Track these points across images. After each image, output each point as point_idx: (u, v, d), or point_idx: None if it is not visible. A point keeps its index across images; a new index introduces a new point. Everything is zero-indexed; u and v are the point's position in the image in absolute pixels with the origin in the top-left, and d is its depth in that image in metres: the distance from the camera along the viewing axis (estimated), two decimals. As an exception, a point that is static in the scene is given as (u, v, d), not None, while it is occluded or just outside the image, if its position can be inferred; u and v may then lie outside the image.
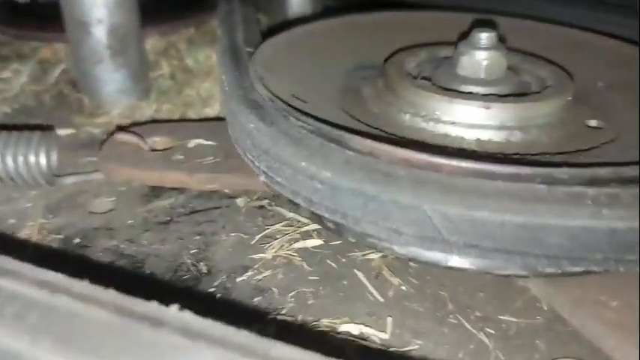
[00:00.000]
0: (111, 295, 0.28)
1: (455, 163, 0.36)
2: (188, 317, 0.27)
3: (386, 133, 0.46)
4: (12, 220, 0.53)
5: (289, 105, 0.42)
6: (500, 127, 0.46)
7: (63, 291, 0.27)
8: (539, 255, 0.35)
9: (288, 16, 0.89)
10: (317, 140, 0.40)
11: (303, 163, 0.39)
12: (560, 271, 0.38)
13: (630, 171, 0.37)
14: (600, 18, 0.73)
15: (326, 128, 0.40)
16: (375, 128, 0.47)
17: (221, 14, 0.67)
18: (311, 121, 0.40)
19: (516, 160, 0.38)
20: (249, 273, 0.47)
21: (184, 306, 0.27)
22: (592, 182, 0.36)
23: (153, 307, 0.27)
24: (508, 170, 0.35)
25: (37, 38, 0.86)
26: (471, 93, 0.48)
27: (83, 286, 0.28)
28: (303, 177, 0.39)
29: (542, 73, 0.53)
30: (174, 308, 0.27)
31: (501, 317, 0.42)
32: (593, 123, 0.50)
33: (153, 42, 0.83)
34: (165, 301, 0.27)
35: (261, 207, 0.55)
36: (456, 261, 0.39)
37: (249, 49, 0.56)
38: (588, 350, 0.38)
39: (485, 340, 0.40)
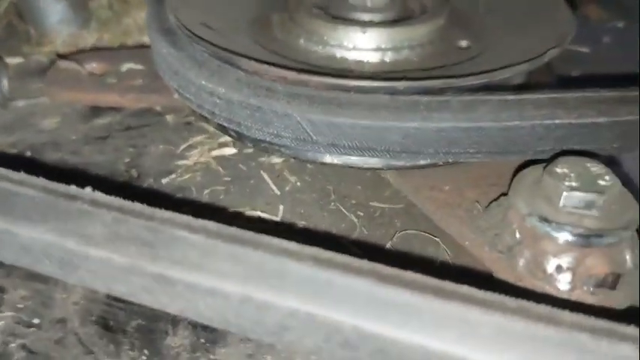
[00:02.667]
0: (40, 180, 0.37)
1: (317, 79, 0.45)
2: (98, 195, 0.36)
3: (283, 56, 0.55)
4: (-31, 138, 0.62)
5: (193, 33, 0.51)
6: (376, 49, 0.55)
7: (4, 178, 0.37)
8: (384, 150, 0.45)
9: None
10: (215, 62, 0.49)
11: (204, 82, 0.48)
12: (407, 165, 0.49)
13: (460, 82, 0.47)
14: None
15: (222, 52, 0.49)
16: (275, 52, 0.55)
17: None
18: (209, 46, 0.49)
19: (367, 77, 0.47)
20: (173, 176, 0.56)
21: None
22: (426, 92, 0.45)
23: (72, 188, 0.37)
24: (358, 84, 0.45)
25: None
26: (353, 19, 0.56)
27: (20, 175, 0.38)
28: (205, 93, 0.48)
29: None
30: (88, 189, 0.37)
31: (371, 203, 0.53)
32: (463, 44, 0.59)
33: (93, -27, 0.88)
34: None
35: (188, 123, 0.64)
36: (327, 158, 0.49)
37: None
38: (432, 226, 0.49)
39: (355, 220, 0.51)
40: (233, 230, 0.34)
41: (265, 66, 0.47)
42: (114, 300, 0.44)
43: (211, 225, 0.34)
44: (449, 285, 0.31)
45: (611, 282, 0.38)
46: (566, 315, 0.29)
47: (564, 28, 0.54)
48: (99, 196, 0.36)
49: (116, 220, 0.34)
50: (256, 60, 0.47)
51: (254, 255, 0.32)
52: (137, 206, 0.35)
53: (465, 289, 0.31)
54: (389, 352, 0.29)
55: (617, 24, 0.86)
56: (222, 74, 0.48)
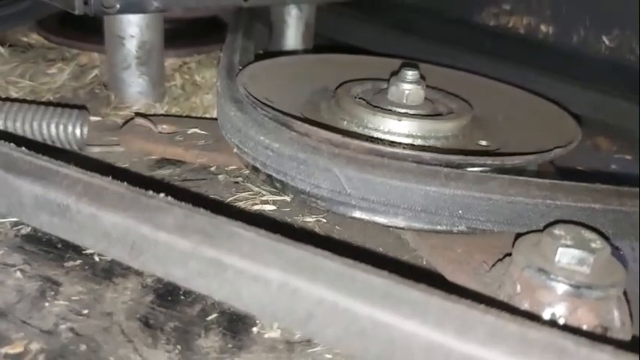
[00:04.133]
0: (124, 184, 0.46)
1: (356, 142, 0.54)
2: (170, 198, 0.45)
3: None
4: (49, 171, 0.71)
5: (257, 100, 0.61)
6: (407, 135, 0.64)
7: (96, 177, 0.45)
8: (406, 208, 0.53)
9: (284, 49, 1.09)
10: (272, 123, 0.59)
11: (262, 137, 0.58)
12: (425, 228, 0.56)
13: (476, 160, 0.55)
14: (519, 74, 0.93)
15: (279, 115, 0.59)
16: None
17: (226, 43, 0.87)
18: (269, 110, 0.59)
19: (398, 146, 0.56)
20: (218, 220, 0.64)
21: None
22: (447, 165, 0.54)
23: (149, 192, 0.45)
24: (391, 151, 0.54)
25: (77, 46, 1.07)
26: (391, 110, 0.67)
27: (108, 179, 0.46)
28: (261, 147, 0.58)
29: (452, 104, 0.72)
30: (162, 194, 0.45)
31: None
32: (483, 142, 0.68)
33: (171, 61, 1.03)
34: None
35: (236, 182, 0.73)
36: (356, 213, 0.57)
37: (240, 67, 0.75)
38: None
39: (374, 273, 0.57)
40: (279, 236, 0.41)
41: (314, 128, 0.56)
42: (157, 305, 0.51)
43: (262, 230, 0.42)
44: (454, 297, 0.37)
45: (600, 335, 0.43)
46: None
47: (570, 134, 0.64)
48: (172, 199, 0.44)
49: (186, 215, 0.42)
50: (307, 122, 0.57)
51: (295, 252, 0.39)
52: (203, 210, 0.43)
53: (468, 301, 0.37)
54: (396, 342, 0.35)
55: (625, 156, 0.96)
56: (277, 133, 0.57)
